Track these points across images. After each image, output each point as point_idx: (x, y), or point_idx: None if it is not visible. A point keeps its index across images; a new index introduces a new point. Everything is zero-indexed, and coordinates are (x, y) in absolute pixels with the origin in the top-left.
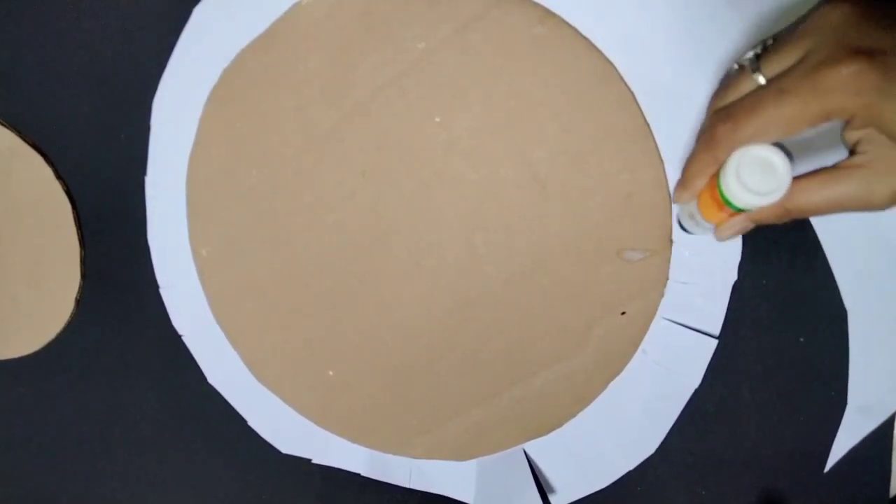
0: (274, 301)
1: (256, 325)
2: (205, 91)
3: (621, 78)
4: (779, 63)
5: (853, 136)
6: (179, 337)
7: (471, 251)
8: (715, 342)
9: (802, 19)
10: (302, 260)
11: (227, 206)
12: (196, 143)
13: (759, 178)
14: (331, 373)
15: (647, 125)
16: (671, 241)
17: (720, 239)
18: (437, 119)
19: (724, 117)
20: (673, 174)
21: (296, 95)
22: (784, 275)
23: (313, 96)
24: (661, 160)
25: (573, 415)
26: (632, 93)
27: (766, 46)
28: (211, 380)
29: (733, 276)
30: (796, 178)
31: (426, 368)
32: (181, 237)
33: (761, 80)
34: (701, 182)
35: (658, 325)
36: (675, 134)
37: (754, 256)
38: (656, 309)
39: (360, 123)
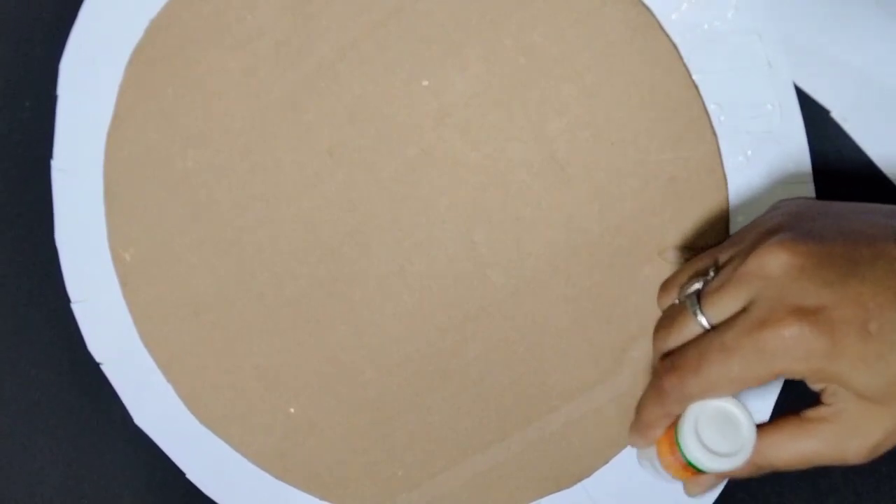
0: (218, 319)
1: (196, 350)
2: (126, 50)
3: (661, 27)
4: (721, 308)
5: (815, 386)
6: (98, 365)
7: (470, 252)
8: None
9: (743, 251)
10: (253, 266)
11: (156, 196)
12: (116, 117)
13: (720, 437)
14: (292, 410)
15: (696, 88)
16: (728, 237)
17: (691, 495)
18: (425, 83)
19: (669, 368)
20: (728, 150)
21: (243, 54)
22: None
23: (265, 55)
24: (714, 133)
25: (604, 462)
26: (675, 46)
27: (707, 281)
28: (138, 420)
29: None
30: (761, 429)
31: (414, 404)
32: (98, 237)
33: (704, 322)
34: (657, 432)
35: None
36: (730, 99)
37: None
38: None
39: (326, 88)
